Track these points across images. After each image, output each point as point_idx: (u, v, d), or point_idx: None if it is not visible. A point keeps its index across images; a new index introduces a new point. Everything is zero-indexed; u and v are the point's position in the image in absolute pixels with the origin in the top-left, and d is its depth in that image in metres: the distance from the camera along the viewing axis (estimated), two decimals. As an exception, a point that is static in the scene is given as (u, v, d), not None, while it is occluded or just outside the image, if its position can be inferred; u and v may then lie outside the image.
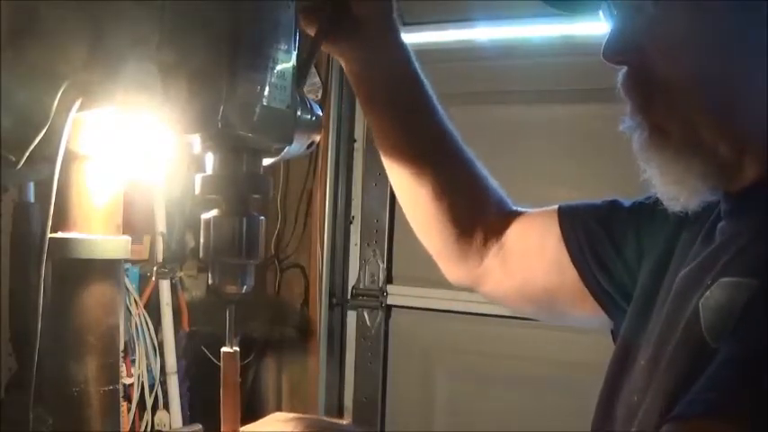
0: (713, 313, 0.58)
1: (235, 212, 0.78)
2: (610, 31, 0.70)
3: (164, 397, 2.00)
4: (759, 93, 0.63)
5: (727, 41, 0.63)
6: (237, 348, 0.86)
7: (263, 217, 0.80)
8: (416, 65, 0.97)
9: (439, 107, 0.99)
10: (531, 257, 0.96)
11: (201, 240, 0.79)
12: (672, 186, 0.68)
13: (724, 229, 0.70)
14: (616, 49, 0.68)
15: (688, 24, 0.64)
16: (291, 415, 0.87)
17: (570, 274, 0.90)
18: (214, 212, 0.78)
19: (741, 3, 0.63)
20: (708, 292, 0.60)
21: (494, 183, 1.03)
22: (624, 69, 0.69)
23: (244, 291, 0.81)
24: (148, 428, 1.94)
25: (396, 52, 0.94)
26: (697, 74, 0.64)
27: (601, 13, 0.74)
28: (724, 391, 0.53)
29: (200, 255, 0.80)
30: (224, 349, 0.85)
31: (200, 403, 2.14)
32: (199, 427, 1.34)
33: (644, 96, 0.68)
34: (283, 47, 0.77)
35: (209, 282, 0.81)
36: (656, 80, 0.66)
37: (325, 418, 0.87)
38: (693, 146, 0.65)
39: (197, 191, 0.78)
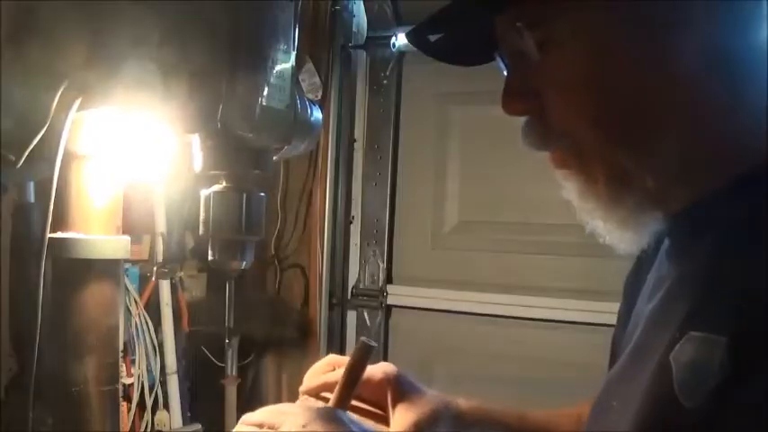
0: (686, 371, 0.57)
1: (236, 188, 0.77)
2: (505, 81, 0.68)
3: (164, 397, 2.00)
4: (669, 120, 0.61)
5: (625, 77, 0.61)
6: (375, 344, 0.85)
7: (263, 194, 0.79)
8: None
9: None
10: None
11: (201, 216, 0.78)
12: (617, 232, 0.67)
13: (669, 253, 0.69)
14: (513, 100, 0.67)
15: (580, 66, 0.62)
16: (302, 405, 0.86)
17: None
18: (215, 188, 0.78)
19: (634, 36, 0.61)
20: (678, 346, 0.58)
21: None
22: (526, 119, 0.68)
23: (243, 266, 0.80)
24: (148, 428, 1.94)
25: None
26: (597, 111, 0.62)
27: (499, 63, 0.72)
28: None
29: (200, 231, 0.79)
30: (362, 339, 0.84)
31: (201, 403, 2.14)
32: (199, 426, 1.33)
33: (553, 145, 0.66)
34: (283, 47, 0.77)
35: (209, 258, 0.80)
36: (559, 125, 0.64)
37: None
38: (622, 182, 0.63)
39: (198, 168, 0.77)
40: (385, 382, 0.89)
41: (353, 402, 0.88)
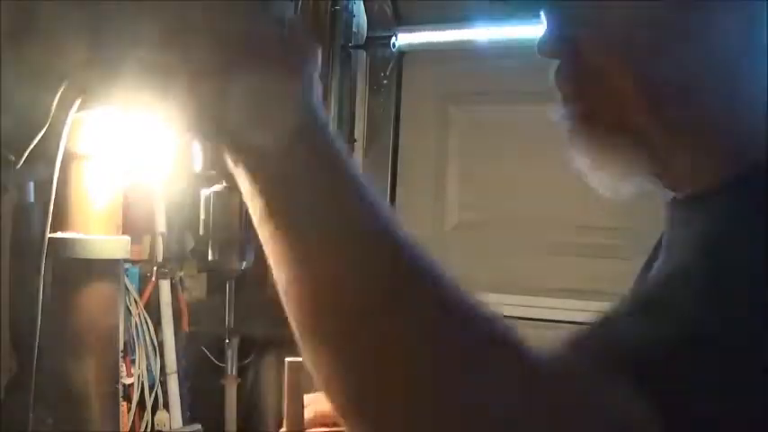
0: None
1: (236, 188, 0.78)
2: (546, 25, 0.69)
3: (164, 397, 2.00)
4: (698, 82, 0.61)
5: (662, 26, 0.61)
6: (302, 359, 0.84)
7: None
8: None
9: None
10: None
11: (201, 216, 0.78)
12: (601, 171, 0.67)
13: (664, 245, 0.69)
14: (548, 41, 0.67)
15: (621, 10, 0.62)
16: None
17: None
18: (215, 188, 0.78)
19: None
20: None
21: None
22: (559, 63, 0.68)
23: (243, 266, 0.81)
24: (148, 428, 1.94)
25: None
26: (629, 59, 0.63)
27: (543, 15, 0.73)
28: None
29: (200, 231, 0.79)
30: (288, 360, 0.83)
31: (201, 403, 2.14)
32: (198, 427, 1.33)
33: (576, 85, 0.67)
34: (283, 46, 0.77)
35: (209, 258, 0.80)
36: (589, 68, 0.65)
37: None
38: (622, 129, 0.64)
39: (198, 168, 0.77)
40: None
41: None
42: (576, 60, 0.66)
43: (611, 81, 0.64)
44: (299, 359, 0.83)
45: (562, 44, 0.66)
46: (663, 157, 0.64)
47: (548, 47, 0.68)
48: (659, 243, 0.82)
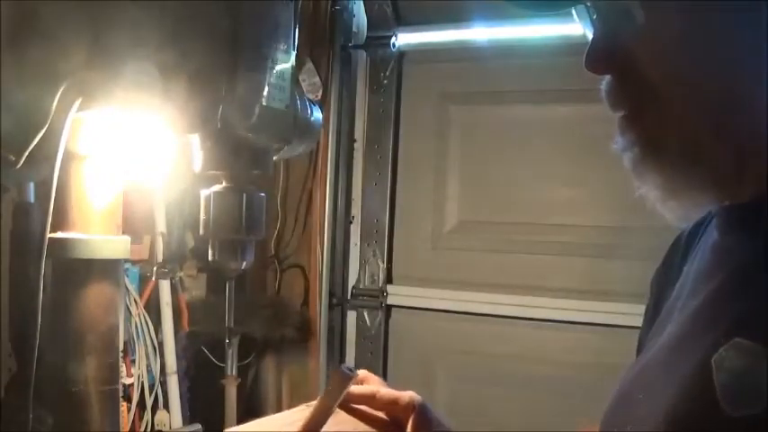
0: (731, 379, 0.55)
1: (236, 188, 0.77)
2: (592, 37, 0.65)
3: (164, 397, 2.00)
4: (757, 95, 0.60)
5: (722, 42, 0.60)
6: (356, 373, 0.84)
7: (263, 194, 0.80)
8: None
9: None
10: None
11: (201, 216, 0.78)
12: (671, 202, 0.65)
13: (717, 248, 0.67)
14: (601, 56, 0.64)
15: (681, 26, 0.60)
16: None
17: None
18: (215, 188, 0.78)
19: (737, 2, 0.60)
20: (722, 351, 0.57)
21: None
22: (608, 78, 0.65)
23: (243, 266, 0.81)
24: (148, 428, 1.94)
25: None
26: (692, 77, 0.61)
27: (574, 13, 0.68)
28: None
29: (200, 231, 0.79)
30: (343, 368, 0.83)
31: (201, 403, 2.14)
32: (198, 427, 1.33)
33: (635, 106, 0.64)
34: (282, 47, 0.77)
35: (209, 258, 0.80)
36: (648, 87, 0.62)
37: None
38: (692, 156, 0.62)
39: (198, 168, 0.77)
40: (410, 407, 0.88)
41: (365, 408, 0.89)
42: (632, 77, 0.63)
43: (674, 99, 0.61)
44: (354, 372, 0.84)
45: (616, 59, 0.63)
46: (730, 177, 0.62)
47: (598, 62, 0.64)
48: (677, 242, 0.81)
